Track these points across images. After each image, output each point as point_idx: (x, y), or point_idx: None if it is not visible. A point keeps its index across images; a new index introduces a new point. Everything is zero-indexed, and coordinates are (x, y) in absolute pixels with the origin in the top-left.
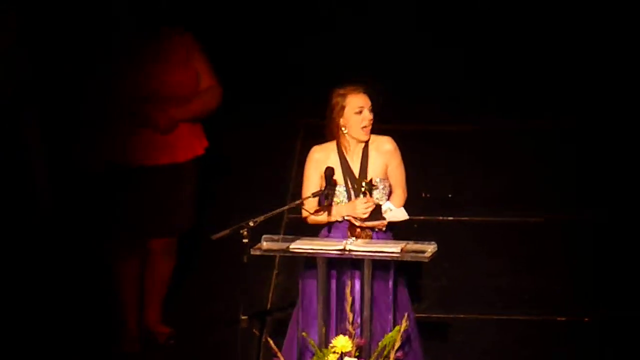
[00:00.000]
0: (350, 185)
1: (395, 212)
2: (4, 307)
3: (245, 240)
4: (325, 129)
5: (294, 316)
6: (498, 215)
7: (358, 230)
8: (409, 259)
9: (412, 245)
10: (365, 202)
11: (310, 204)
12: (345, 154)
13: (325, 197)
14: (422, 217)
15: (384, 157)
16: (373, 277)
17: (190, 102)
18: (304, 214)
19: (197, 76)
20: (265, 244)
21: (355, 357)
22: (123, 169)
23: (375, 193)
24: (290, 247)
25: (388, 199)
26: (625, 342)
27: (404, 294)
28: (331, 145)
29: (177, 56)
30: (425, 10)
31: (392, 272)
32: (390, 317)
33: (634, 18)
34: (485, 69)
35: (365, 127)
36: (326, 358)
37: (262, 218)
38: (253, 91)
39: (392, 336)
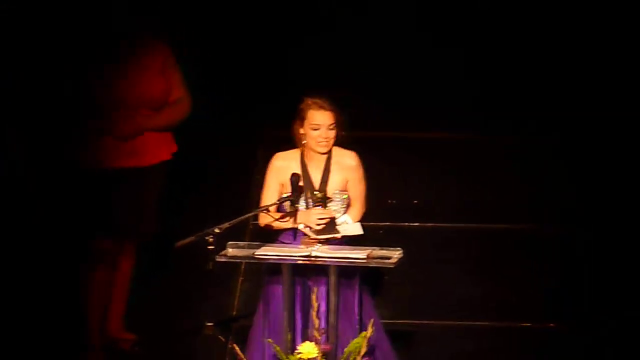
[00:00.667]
0: (308, 195)
1: (350, 226)
2: None
3: (210, 247)
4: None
5: (256, 322)
6: (463, 222)
7: (311, 241)
8: (374, 265)
9: (378, 252)
10: (321, 214)
11: (271, 211)
12: (307, 163)
13: (292, 203)
14: (387, 223)
15: (346, 172)
16: (339, 283)
17: (160, 112)
18: (263, 220)
19: (169, 87)
20: (230, 251)
21: None
22: (88, 171)
23: (332, 205)
24: (256, 253)
25: (346, 212)
26: (590, 348)
27: (369, 300)
28: (295, 154)
29: (151, 66)
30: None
31: (357, 278)
32: (356, 323)
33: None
34: (459, 80)
35: (320, 142)
36: None
37: (227, 225)
38: (216, 98)
39: (357, 342)
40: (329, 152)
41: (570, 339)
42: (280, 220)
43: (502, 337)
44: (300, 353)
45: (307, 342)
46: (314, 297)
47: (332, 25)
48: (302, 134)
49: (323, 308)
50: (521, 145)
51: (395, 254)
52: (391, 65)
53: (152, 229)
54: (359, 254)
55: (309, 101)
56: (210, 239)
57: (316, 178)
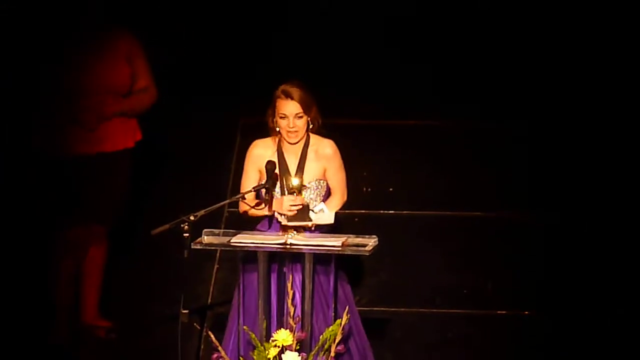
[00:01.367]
0: (284, 183)
1: (323, 215)
2: None
3: (185, 235)
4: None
5: (232, 310)
6: (439, 210)
7: (286, 229)
8: (350, 253)
9: (353, 239)
10: (293, 200)
11: (249, 198)
12: (284, 151)
13: (266, 191)
14: (362, 211)
15: (323, 161)
16: (314, 271)
17: (125, 99)
18: (242, 207)
19: (134, 75)
20: (206, 238)
21: (296, 350)
22: (51, 158)
23: (307, 194)
24: (231, 241)
25: (324, 201)
26: (566, 336)
27: (345, 288)
28: (273, 141)
29: (116, 54)
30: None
31: (332, 266)
32: (331, 310)
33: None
34: (438, 67)
35: (288, 132)
36: (267, 352)
37: (202, 212)
38: (194, 85)
39: (333, 330)
40: (306, 140)
41: (546, 327)
42: (256, 207)
43: (477, 325)
44: (275, 340)
45: (282, 330)
46: (289, 284)
47: (314, 12)
48: (275, 122)
49: (298, 296)
50: (496, 131)
51: (371, 242)
52: (340, 61)
53: (118, 215)
54: (334, 242)
55: (279, 90)
56: (186, 227)
57: (292, 166)
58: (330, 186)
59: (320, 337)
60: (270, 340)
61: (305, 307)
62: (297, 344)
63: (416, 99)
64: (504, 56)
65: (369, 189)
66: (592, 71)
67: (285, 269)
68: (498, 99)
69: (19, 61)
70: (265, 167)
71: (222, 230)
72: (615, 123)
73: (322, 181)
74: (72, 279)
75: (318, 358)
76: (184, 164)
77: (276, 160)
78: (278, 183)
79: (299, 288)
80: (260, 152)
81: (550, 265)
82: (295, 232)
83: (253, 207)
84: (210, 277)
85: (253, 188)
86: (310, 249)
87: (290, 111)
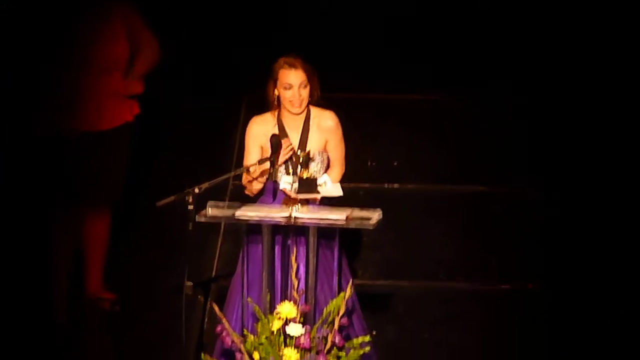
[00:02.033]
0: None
1: (330, 187)
2: None
3: (190, 207)
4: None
5: (235, 282)
6: (443, 184)
7: (292, 201)
8: (354, 226)
9: (357, 213)
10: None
11: (254, 173)
12: (285, 125)
13: (271, 165)
14: (367, 185)
15: (325, 133)
16: (318, 244)
17: (136, 65)
18: (245, 180)
19: (138, 45)
20: (210, 211)
21: (299, 323)
22: (50, 136)
23: (312, 166)
24: (236, 214)
25: (326, 172)
26: (569, 309)
27: (345, 262)
28: (271, 116)
29: (115, 30)
30: None
31: (337, 240)
32: (335, 284)
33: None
34: (438, 40)
35: (292, 102)
36: (271, 324)
37: (207, 185)
38: (198, 58)
39: (336, 303)
40: (307, 112)
41: (549, 300)
42: (259, 180)
43: (481, 299)
44: (279, 313)
45: (286, 302)
46: (293, 257)
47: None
48: (277, 95)
49: (302, 269)
50: (501, 107)
51: (375, 215)
52: (342, 33)
53: (119, 191)
54: (338, 215)
55: (281, 60)
56: (190, 199)
57: (295, 139)
58: (330, 158)
59: (324, 309)
60: (274, 313)
61: (309, 280)
62: (300, 316)
63: (420, 72)
64: (505, 34)
65: (374, 163)
66: (594, 46)
67: (289, 242)
68: (503, 73)
69: (18, 42)
70: (270, 140)
71: (226, 203)
72: (619, 96)
73: (324, 153)
74: (70, 256)
75: (322, 331)
76: (188, 137)
77: (279, 134)
78: (282, 158)
79: (303, 260)
80: (260, 128)
81: (553, 239)
82: (299, 205)
83: (255, 179)
84: (215, 249)
85: (258, 161)
86: (315, 222)
87: (295, 80)
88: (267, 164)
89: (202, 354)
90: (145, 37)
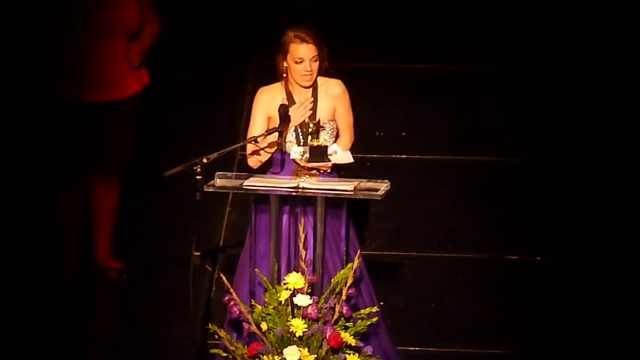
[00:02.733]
0: (298, 126)
1: (340, 155)
2: None
3: (198, 177)
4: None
5: (244, 255)
6: (451, 154)
7: (303, 171)
8: (362, 197)
9: (365, 183)
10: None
11: (261, 143)
12: (293, 95)
13: (280, 135)
14: (375, 155)
15: (333, 100)
16: (326, 214)
17: (141, 42)
18: (250, 156)
19: (143, 14)
20: (218, 181)
21: (307, 294)
22: (63, 104)
23: (322, 134)
24: (244, 184)
25: (335, 142)
26: (577, 281)
27: (353, 232)
28: (279, 86)
29: None
30: None
31: (344, 210)
32: (343, 254)
33: None
34: (445, 9)
35: (303, 76)
36: (279, 294)
37: (215, 155)
38: (205, 28)
39: (344, 273)
40: (315, 83)
41: (557, 271)
42: (267, 150)
43: (488, 270)
44: (287, 283)
45: (294, 273)
46: (301, 228)
47: None
48: (286, 67)
49: (310, 239)
50: (509, 76)
51: (383, 186)
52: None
53: (129, 161)
54: (346, 186)
55: (291, 34)
56: (199, 169)
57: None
58: (339, 126)
59: (332, 280)
60: (282, 283)
61: (317, 250)
62: (308, 287)
63: (428, 41)
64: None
65: (382, 133)
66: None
67: (297, 212)
68: (511, 43)
69: (26, 10)
70: (279, 110)
71: (234, 173)
72: (625, 69)
73: (332, 122)
74: (79, 222)
75: (329, 301)
76: (197, 106)
77: (287, 104)
78: (292, 128)
79: (311, 231)
80: (269, 98)
81: (561, 210)
82: (307, 176)
83: (263, 150)
84: (222, 219)
85: (266, 132)
86: (322, 193)
87: (307, 54)
88: (275, 135)
89: (210, 324)
90: (151, 12)
